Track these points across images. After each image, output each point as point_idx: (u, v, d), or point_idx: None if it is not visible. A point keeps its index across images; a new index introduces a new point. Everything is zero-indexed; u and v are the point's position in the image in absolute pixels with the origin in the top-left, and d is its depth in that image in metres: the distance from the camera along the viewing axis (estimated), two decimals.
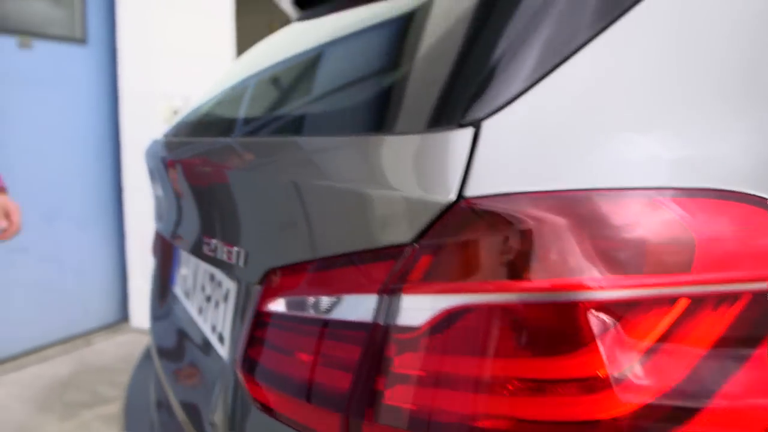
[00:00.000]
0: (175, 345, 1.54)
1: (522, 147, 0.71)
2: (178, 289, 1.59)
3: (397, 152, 0.77)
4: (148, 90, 4.29)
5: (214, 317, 1.21)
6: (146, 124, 4.28)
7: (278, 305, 0.91)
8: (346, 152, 0.84)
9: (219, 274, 1.19)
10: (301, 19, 1.65)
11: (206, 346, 1.23)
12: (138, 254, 4.43)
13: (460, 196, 0.70)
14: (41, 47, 3.89)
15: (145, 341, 4.17)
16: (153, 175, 1.66)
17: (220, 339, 1.15)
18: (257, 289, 0.97)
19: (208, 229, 1.18)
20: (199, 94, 2.02)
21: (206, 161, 1.18)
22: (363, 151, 0.82)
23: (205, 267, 1.30)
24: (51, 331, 4.06)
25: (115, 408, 3.27)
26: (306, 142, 0.95)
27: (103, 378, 3.65)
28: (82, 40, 4.13)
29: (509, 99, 0.73)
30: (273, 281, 0.93)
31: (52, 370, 3.76)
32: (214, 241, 1.12)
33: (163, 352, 1.63)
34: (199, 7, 4.50)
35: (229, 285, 1.13)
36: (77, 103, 4.15)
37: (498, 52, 0.77)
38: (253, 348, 0.93)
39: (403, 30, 1.04)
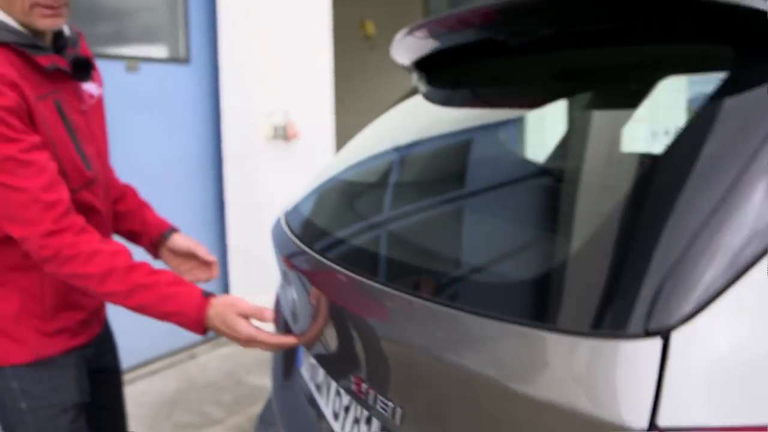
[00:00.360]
0: (298, 422, 1.53)
1: (717, 365, 0.64)
2: (304, 372, 1.57)
3: (560, 354, 0.71)
4: (249, 106, 4.33)
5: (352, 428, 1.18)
6: (248, 140, 4.33)
7: None
8: (507, 343, 0.78)
9: (362, 410, 1.15)
10: (433, 99, 1.59)
11: None
12: (239, 268, 4.50)
13: (652, 425, 0.64)
14: (147, 69, 3.97)
15: (247, 354, 4.24)
16: (284, 271, 1.63)
17: None
18: None
19: (354, 368, 1.15)
20: (322, 168, 1.95)
21: (352, 300, 1.15)
22: (526, 346, 0.76)
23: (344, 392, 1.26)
24: (157, 346, 4.17)
25: (222, 431, 3.33)
26: (462, 319, 0.88)
27: (210, 396, 3.72)
28: (185, 60, 4.20)
29: (704, 302, 0.66)
30: None
31: (159, 385, 3.86)
32: (365, 386, 1.08)
33: (286, 424, 1.63)
34: (297, 19, 4.51)
35: (376, 426, 1.09)
36: (180, 121, 4.22)
37: (690, 237, 0.69)
38: None
39: (562, 195, 0.96)
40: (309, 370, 1.53)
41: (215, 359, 4.25)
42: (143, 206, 1.91)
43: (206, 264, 1.86)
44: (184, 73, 4.20)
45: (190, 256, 1.86)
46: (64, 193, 1.44)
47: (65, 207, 1.43)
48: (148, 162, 4.00)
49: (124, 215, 1.86)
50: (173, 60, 4.15)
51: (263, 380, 3.90)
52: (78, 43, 1.63)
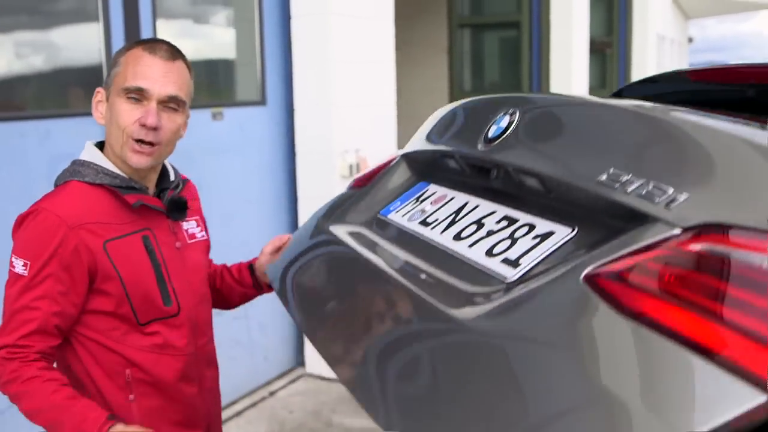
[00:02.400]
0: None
1: None
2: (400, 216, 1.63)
3: None
4: (322, 146, 4.36)
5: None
6: (322, 179, 4.37)
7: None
8: None
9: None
10: None
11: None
12: None
13: None
14: (228, 114, 4.00)
15: (328, 390, 4.31)
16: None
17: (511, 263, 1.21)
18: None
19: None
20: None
21: None
22: None
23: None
24: (240, 386, 4.22)
25: None
26: None
27: None
28: (262, 102, 4.22)
29: None
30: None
31: (249, 428, 3.92)
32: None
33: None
34: (365, 57, 4.54)
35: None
36: (258, 163, 4.26)
37: None
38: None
39: None
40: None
41: (296, 395, 4.32)
42: (224, 269, 2.03)
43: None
44: (261, 114, 4.22)
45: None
46: (39, 344, 1.56)
47: (34, 351, 1.55)
48: (228, 205, 4.03)
49: (224, 288, 2.00)
50: (252, 103, 4.18)
51: (351, 420, 3.98)
52: (181, 187, 1.76)
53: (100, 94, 1.68)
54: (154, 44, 1.64)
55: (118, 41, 3.35)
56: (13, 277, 1.58)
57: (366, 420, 3.89)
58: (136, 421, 1.64)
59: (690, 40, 14.72)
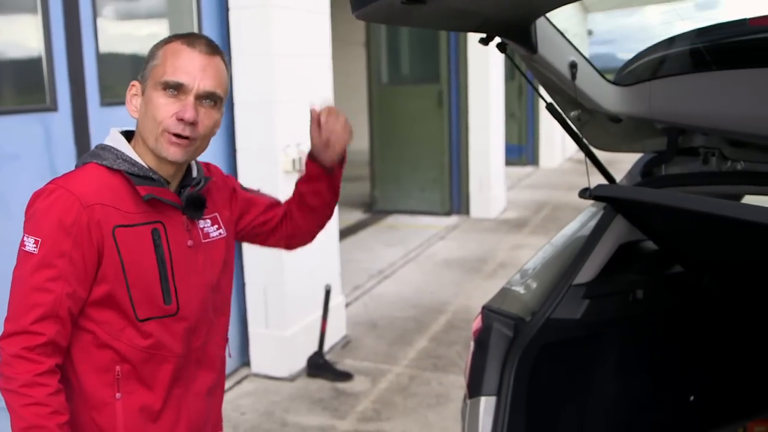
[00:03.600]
0: None
1: None
2: None
3: None
4: (265, 141, 4.29)
5: None
6: (265, 175, 4.29)
7: None
8: None
9: None
10: None
11: None
12: (257, 303, 4.48)
13: None
14: None
15: (270, 387, 4.25)
16: None
17: None
18: None
19: None
20: None
21: None
22: None
23: None
24: None
25: None
26: None
27: None
28: None
29: None
30: None
31: None
32: None
33: None
34: (306, 50, 4.50)
35: None
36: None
37: None
38: None
39: None
40: None
41: (244, 396, 4.24)
42: (295, 191, 1.90)
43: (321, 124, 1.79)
44: None
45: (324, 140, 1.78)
46: (51, 330, 1.50)
47: (44, 341, 1.49)
48: None
49: (304, 210, 1.89)
50: None
51: (306, 418, 3.94)
52: (203, 184, 1.70)
53: (135, 87, 1.63)
54: (194, 38, 1.60)
55: (59, 35, 3.20)
56: (23, 256, 1.52)
57: (321, 417, 3.90)
58: (120, 419, 1.61)
59: (590, 32, 15.22)
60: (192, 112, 1.54)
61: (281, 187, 4.29)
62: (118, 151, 1.60)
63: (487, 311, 2.25)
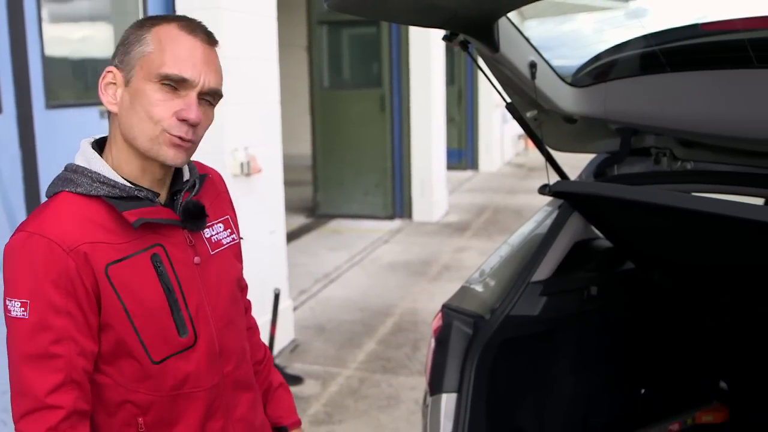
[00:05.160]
0: None
1: None
2: None
3: None
4: (214, 144, 4.25)
5: None
6: None
7: None
8: None
9: None
10: None
11: None
12: None
13: None
14: None
15: None
16: None
17: None
18: None
19: None
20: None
21: None
22: None
23: None
24: None
25: None
26: None
27: None
28: None
29: None
30: None
31: None
32: None
33: None
34: (254, 54, 4.48)
35: None
36: None
37: None
38: None
39: None
40: None
41: None
42: (274, 392, 1.75)
43: None
44: None
45: None
46: (70, 399, 1.29)
47: (66, 414, 1.29)
48: None
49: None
50: None
51: None
52: (198, 187, 1.47)
53: (111, 74, 1.37)
54: (191, 23, 1.37)
55: (3, 37, 3.12)
56: (13, 324, 1.29)
57: None
58: None
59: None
60: (197, 112, 1.33)
61: (231, 191, 4.25)
62: (92, 172, 1.36)
63: (447, 310, 2.28)
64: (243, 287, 1.67)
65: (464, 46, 2.07)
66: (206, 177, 1.53)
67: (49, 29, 3.39)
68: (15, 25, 3.18)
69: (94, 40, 3.95)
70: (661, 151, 2.27)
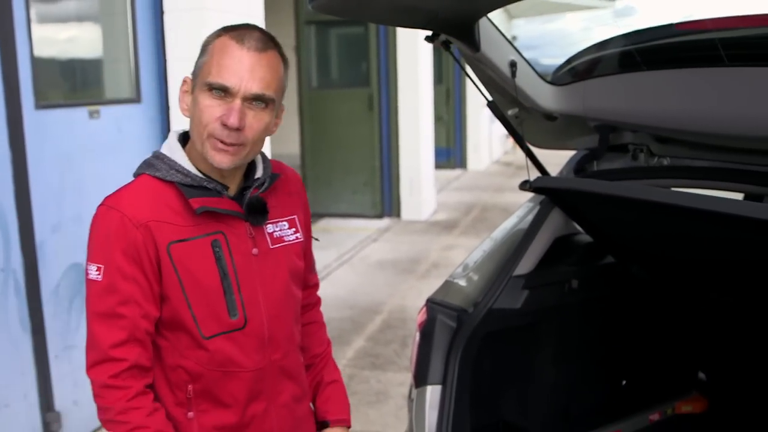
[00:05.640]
0: None
1: None
2: None
3: None
4: None
5: None
6: None
7: None
8: None
9: None
10: None
11: None
12: None
13: None
14: (105, 112, 3.85)
15: None
16: None
17: None
18: None
19: None
20: None
21: None
22: None
23: None
24: None
25: None
26: None
27: None
28: (137, 100, 4.10)
29: None
30: None
31: None
32: None
33: None
34: None
35: None
36: (136, 162, 4.11)
37: None
38: None
39: None
40: None
41: None
42: (327, 384, 1.84)
43: None
44: (137, 112, 4.09)
45: None
46: (133, 354, 1.47)
47: (128, 365, 1.46)
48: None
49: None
50: (128, 101, 4.05)
51: None
52: (267, 185, 1.60)
53: (186, 84, 1.55)
54: (245, 32, 1.48)
55: None
56: (90, 285, 1.48)
57: None
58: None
59: (513, 38, 15.63)
60: (236, 117, 1.43)
61: None
62: (171, 160, 1.52)
63: (432, 303, 2.33)
64: (312, 285, 1.86)
65: (446, 45, 2.12)
66: (278, 176, 1.64)
67: (37, 30, 3.42)
68: (4, 25, 3.21)
69: (82, 40, 3.98)
70: (638, 147, 2.33)
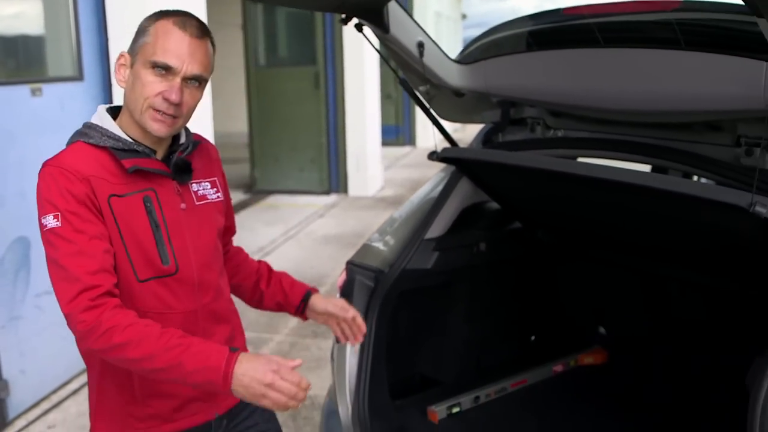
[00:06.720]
0: None
1: None
2: None
3: None
4: None
5: None
6: None
7: None
8: None
9: None
10: None
11: None
12: None
13: None
14: (47, 90, 3.95)
15: None
16: None
17: None
18: None
19: None
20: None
21: None
22: None
23: None
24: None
25: None
26: None
27: None
28: (79, 78, 4.20)
29: None
30: None
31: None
32: None
33: None
34: None
35: None
36: None
37: None
38: None
39: None
40: None
41: None
42: (281, 278, 2.09)
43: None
44: (79, 90, 4.20)
45: (330, 315, 2.06)
46: (108, 282, 1.58)
47: (104, 290, 1.56)
48: None
49: (268, 293, 2.07)
50: (70, 79, 4.14)
51: None
52: (190, 149, 1.79)
53: (123, 58, 1.71)
54: (185, 19, 1.67)
55: None
56: (50, 235, 1.58)
57: None
58: (135, 377, 1.70)
59: (464, 16, 15.81)
60: (177, 94, 1.63)
61: None
62: (102, 128, 1.69)
63: (351, 265, 2.52)
64: (232, 233, 2.05)
65: (359, 28, 2.31)
66: (199, 143, 1.86)
67: None
68: None
69: (24, 17, 4.06)
70: (535, 120, 2.55)
